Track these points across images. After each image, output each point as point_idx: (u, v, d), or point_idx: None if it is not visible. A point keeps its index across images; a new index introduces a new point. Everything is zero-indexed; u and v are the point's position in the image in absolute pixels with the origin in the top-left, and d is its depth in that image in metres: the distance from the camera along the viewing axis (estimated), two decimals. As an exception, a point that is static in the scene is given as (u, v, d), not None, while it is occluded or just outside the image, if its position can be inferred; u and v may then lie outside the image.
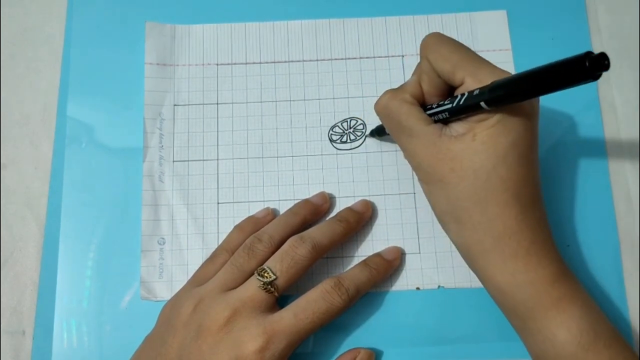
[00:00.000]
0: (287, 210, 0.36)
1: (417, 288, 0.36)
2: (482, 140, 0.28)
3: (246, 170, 0.38)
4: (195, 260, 0.37)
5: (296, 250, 0.32)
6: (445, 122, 0.31)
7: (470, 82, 0.29)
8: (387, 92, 0.33)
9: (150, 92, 0.39)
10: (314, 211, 0.36)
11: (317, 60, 0.40)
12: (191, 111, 0.39)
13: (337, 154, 0.39)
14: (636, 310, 0.36)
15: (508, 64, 0.40)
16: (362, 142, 0.39)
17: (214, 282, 0.32)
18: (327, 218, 0.37)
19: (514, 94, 0.26)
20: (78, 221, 0.37)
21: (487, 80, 0.28)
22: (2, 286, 0.37)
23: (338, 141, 0.39)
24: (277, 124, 0.39)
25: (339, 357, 0.34)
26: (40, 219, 0.38)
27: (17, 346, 0.36)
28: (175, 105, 0.39)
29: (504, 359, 0.35)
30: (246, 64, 0.40)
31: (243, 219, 0.37)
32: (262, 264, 0.32)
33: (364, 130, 0.39)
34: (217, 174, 0.38)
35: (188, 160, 0.38)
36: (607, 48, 0.40)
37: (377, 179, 0.38)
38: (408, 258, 0.37)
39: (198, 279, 0.34)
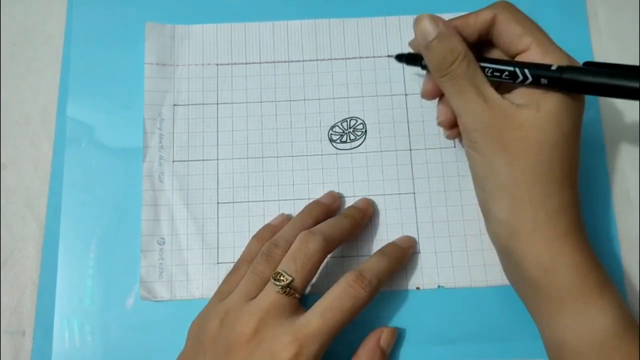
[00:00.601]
0: (299, 213, 0.36)
1: (417, 288, 0.36)
2: (548, 114, 0.28)
3: (246, 170, 0.38)
4: (195, 260, 0.37)
5: (308, 245, 0.32)
6: (497, 86, 0.30)
7: (534, 51, 0.29)
8: (444, 33, 0.30)
9: (150, 92, 0.39)
10: (325, 211, 0.36)
11: (316, 60, 0.40)
12: (191, 111, 0.39)
13: (337, 153, 0.39)
14: (636, 310, 0.35)
15: (508, 64, 0.40)
16: (362, 142, 0.39)
17: (237, 294, 0.32)
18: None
19: (590, 85, 0.26)
20: (78, 221, 0.37)
21: (553, 53, 0.28)
22: (2, 286, 0.37)
23: (338, 141, 0.39)
24: (276, 124, 0.39)
25: (365, 339, 0.34)
26: (40, 219, 0.38)
27: (17, 346, 0.36)
28: (175, 105, 0.39)
29: (504, 359, 0.35)
30: (246, 64, 0.40)
31: (259, 228, 0.37)
32: None
33: (363, 130, 0.39)
34: (217, 174, 0.38)
35: (188, 160, 0.38)
36: (607, 48, 0.40)
37: (377, 179, 0.38)
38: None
39: (222, 293, 0.33)
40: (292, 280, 0.31)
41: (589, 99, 0.39)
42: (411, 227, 0.37)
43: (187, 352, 0.32)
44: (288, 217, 0.37)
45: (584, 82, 0.27)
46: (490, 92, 0.29)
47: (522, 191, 0.29)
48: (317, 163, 0.38)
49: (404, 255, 0.35)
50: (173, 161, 0.38)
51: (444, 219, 0.37)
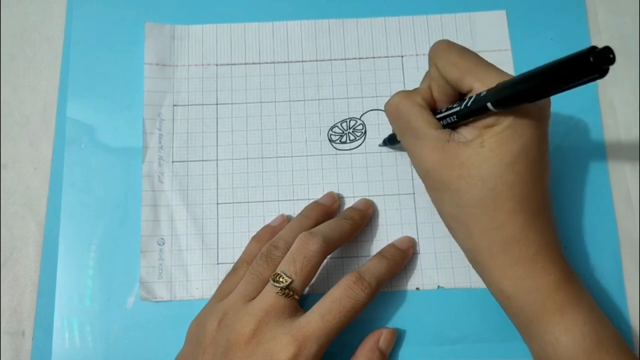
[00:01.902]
0: (299, 214, 0.36)
1: (417, 288, 0.36)
2: (491, 147, 0.28)
3: (246, 171, 0.38)
4: (194, 260, 0.37)
5: (307, 247, 0.32)
6: (454, 127, 0.31)
7: (478, 87, 0.29)
8: (399, 92, 0.33)
9: (149, 92, 0.39)
10: (325, 212, 0.36)
11: (316, 60, 0.40)
12: (190, 111, 0.39)
13: (336, 154, 0.39)
14: (636, 310, 0.35)
15: (507, 65, 0.40)
16: (362, 143, 0.39)
17: (236, 294, 0.32)
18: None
19: (519, 94, 0.26)
20: (78, 221, 0.37)
21: (494, 84, 0.28)
22: (2, 286, 0.37)
23: (337, 141, 0.39)
24: (276, 125, 0.39)
25: (364, 340, 0.34)
26: (40, 219, 0.38)
27: (17, 346, 0.36)
28: (174, 105, 0.39)
29: (503, 359, 0.35)
30: (245, 64, 0.40)
31: (259, 228, 0.37)
32: None
33: (363, 131, 0.39)
34: (217, 174, 0.38)
35: (187, 161, 0.38)
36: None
37: (377, 180, 0.38)
38: (407, 258, 0.37)
39: (221, 293, 0.33)
40: (291, 282, 0.31)
41: (588, 99, 0.39)
42: (411, 227, 0.37)
43: (185, 353, 0.32)
44: (288, 218, 0.37)
45: (514, 94, 0.26)
46: (433, 134, 0.30)
47: (472, 224, 0.30)
48: (316, 163, 0.38)
49: (403, 257, 0.35)
50: (172, 161, 0.38)
51: (444, 220, 0.37)
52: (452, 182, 0.29)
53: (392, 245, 0.36)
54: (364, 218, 0.36)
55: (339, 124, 0.39)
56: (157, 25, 0.40)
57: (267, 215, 0.38)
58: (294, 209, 0.37)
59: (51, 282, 0.36)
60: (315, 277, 0.33)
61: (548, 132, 0.30)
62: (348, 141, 0.39)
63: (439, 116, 0.31)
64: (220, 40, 0.41)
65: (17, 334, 0.36)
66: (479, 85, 0.29)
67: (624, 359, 0.28)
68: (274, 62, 0.40)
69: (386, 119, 0.39)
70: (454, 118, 0.30)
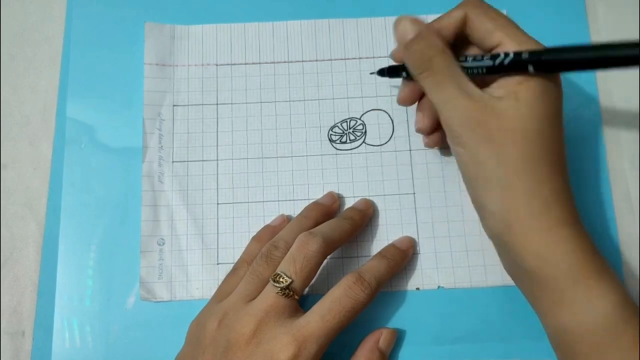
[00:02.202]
0: (299, 215, 0.36)
1: (417, 288, 0.36)
2: (527, 102, 0.28)
3: (246, 171, 0.38)
4: (194, 260, 0.37)
5: (307, 247, 0.32)
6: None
7: (508, 44, 0.29)
8: (420, 39, 0.31)
9: (149, 92, 0.39)
10: (325, 212, 0.36)
11: (316, 60, 0.40)
12: (190, 111, 0.39)
13: (336, 154, 0.39)
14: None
15: (508, 64, 0.40)
16: (362, 143, 0.39)
17: (236, 295, 0.32)
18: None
19: (568, 62, 0.27)
20: (78, 221, 0.37)
21: (525, 44, 0.28)
22: (2, 286, 0.37)
23: (338, 141, 0.39)
24: (276, 125, 0.39)
25: (364, 340, 0.34)
26: (40, 219, 0.38)
27: (17, 346, 0.36)
28: (174, 105, 0.39)
29: (503, 359, 0.35)
30: (245, 64, 0.40)
31: (259, 228, 0.37)
32: None
33: (363, 131, 0.39)
34: (217, 174, 0.38)
35: (187, 161, 0.38)
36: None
37: (377, 179, 0.38)
38: (407, 258, 0.37)
39: (221, 294, 0.33)
40: (291, 282, 0.31)
41: (588, 97, 0.39)
42: (411, 227, 0.37)
43: (185, 353, 0.32)
44: (288, 218, 0.37)
45: (563, 61, 0.27)
46: (470, 86, 0.29)
47: (513, 182, 0.28)
48: (316, 163, 0.38)
49: (403, 257, 0.35)
50: (173, 162, 0.38)
51: (444, 219, 0.37)
52: (493, 134, 0.28)
53: (392, 246, 0.36)
54: (364, 218, 0.36)
55: (339, 124, 0.39)
56: (157, 25, 0.40)
57: (267, 216, 0.38)
58: (294, 209, 0.38)
59: (51, 282, 0.36)
60: (315, 277, 0.33)
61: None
62: (348, 141, 0.39)
63: (464, 65, 0.30)
64: (220, 40, 0.41)
65: (17, 334, 0.36)
66: (509, 42, 0.29)
67: None
68: (274, 62, 0.40)
69: (387, 119, 0.39)
70: (482, 70, 0.30)
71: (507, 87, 0.29)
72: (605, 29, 0.41)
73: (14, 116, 0.40)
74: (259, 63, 0.40)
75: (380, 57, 0.40)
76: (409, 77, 0.34)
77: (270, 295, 0.30)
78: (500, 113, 0.28)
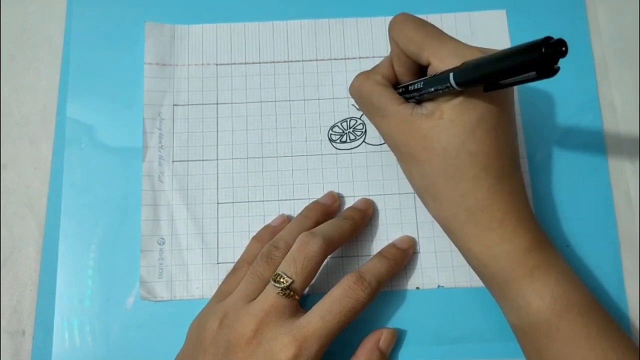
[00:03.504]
0: (299, 214, 0.36)
1: (417, 288, 0.36)
2: (450, 118, 0.29)
3: (246, 170, 0.38)
4: (195, 260, 0.37)
5: (307, 247, 0.32)
6: (418, 102, 0.31)
7: (436, 63, 0.29)
8: (359, 74, 0.34)
9: (149, 92, 0.39)
10: (325, 211, 0.36)
11: (316, 60, 0.40)
12: (191, 111, 0.39)
13: (336, 153, 0.39)
14: (636, 310, 0.35)
15: (508, 64, 0.40)
16: (362, 142, 0.39)
17: (236, 295, 0.32)
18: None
19: (477, 79, 0.26)
20: (78, 221, 0.37)
21: (449, 59, 0.28)
22: (2, 286, 0.37)
23: (338, 141, 0.39)
24: (276, 124, 0.39)
25: (364, 340, 0.34)
26: (40, 219, 0.38)
27: (17, 346, 0.36)
28: (174, 105, 0.39)
29: (503, 358, 0.35)
30: (245, 64, 0.40)
31: (259, 228, 0.37)
32: None
33: (363, 130, 0.39)
34: (217, 174, 0.38)
35: (187, 160, 0.38)
36: (607, 48, 0.40)
37: (377, 179, 0.38)
38: (408, 258, 0.37)
39: (221, 294, 0.33)
40: (292, 282, 0.31)
41: (588, 98, 0.39)
42: (411, 226, 0.37)
43: (186, 352, 0.32)
44: (288, 218, 0.37)
45: (473, 79, 0.27)
46: (397, 110, 0.31)
47: (438, 194, 0.30)
48: (316, 163, 0.38)
49: (403, 257, 0.35)
50: (173, 161, 0.38)
51: (444, 219, 0.37)
52: (417, 154, 0.30)
53: (392, 245, 0.36)
54: (364, 218, 0.36)
55: (339, 124, 0.39)
56: (157, 25, 0.40)
57: (268, 215, 0.38)
58: (294, 209, 0.38)
59: (51, 282, 0.36)
60: (316, 277, 0.33)
61: (510, 101, 0.31)
62: (348, 141, 0.39)
63: (401, 92, 0.32)
64: (220, 40, 0.41)
65: (17, 334, 0.36)
66: (435, 60, 0.29)
67: (597, 320, 0.29)
68: (274, 62, 0.40)
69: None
70: (416, 95, 0.31)
71: (434, 104, 0.30)
72: (605, 29, 0.41)
73: (14, 116, 0.40)
74: (259, 63, 0.40)
75: (380, 56, 0.40)
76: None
77: (270, 295, 0.30)
78: (423, 133, 0.30)
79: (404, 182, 0.38)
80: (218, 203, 0.38)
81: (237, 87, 0.40)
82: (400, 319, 0.36)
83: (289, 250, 0.32)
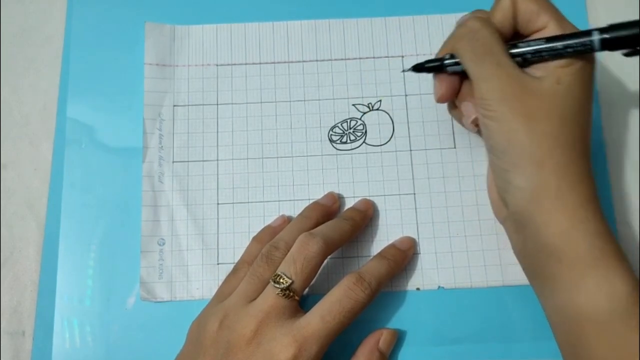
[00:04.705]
0: (299, 215, 0.36)
1: (417, 288, 0.36)
2: (568, 85, 0.29)
3: (246, 171, 0.38)
4: (195, 261, 0.37)
5: (308, 247, 0.32)
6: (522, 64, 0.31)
7: (553, 27, 0.29)
8: (476, 16, 0.32)
9: (149, 92, 0.39)
10: (325, 212, 0.36)
11: (316, 60, 0.40)
12: (191, 112, 0.39)
13: (337, 154, 0.39)
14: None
15: (508, 65, 0.40)
16: (362, 143, 0.39)
17: (236, 295, 0.32)
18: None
19: (630, 38, 0.27)
20: (78, 221, 0.37)
21: (570, 29, 0.29)
22: (2, 286, 0.37)
23: (338, 142, 0.39)
24: (276, 125, 0.39)
25: (364, 340, 0.34)
26: (40, 219, 0.38)
27: (17, 346, 0.36)
28: (174, 105, 0.39)
29: (504, 359, 0.35)
30: (246, 64, 0.40)
31: (259, 228, 0.37)
32: None
33: (363, 131, 0.39)
34: (217, 174, 0.38)
35: (188, 161, 0.38)
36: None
37: (377, 180, 0.38)
38: (408, 258, 0.37)
39: (221, 294, 0.33)
40: (291, 283, 0.31)
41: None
42: (411, 227, 0.37)
43: (186, 353, 0.32)
44: (288, 219, 0.37)
45: (627, 36, 0.28)
46: (510, 63, 0.30)
47: (545, 158, 0.29)
48: (317, 164, 0.38)
49: (403, 258, 0.35)
50: (173, 162, 0.38)
51: (444, 220, 0.37)
52: (532, 111, 0.29)
53: (392, 246, 0.36)
54: (365, 219, 0.36)
55: (339, 124, 0.39)
56: (158, 26, 0.40)
57: (268, 216, 0.38)
58: (295, 209, 0.37)
59: (51, 282, 0.36)
60: (316, 277, 0.33)
61: None
62: (348, 141, 0.39)
63: (514, 51, 0.30)
64: (221, 41, 0.41)
65: (17, 334, 0.36)
66: (554, 25, 0.29)
67: None
68: (274, 62, 0.40)
69: (386, 119, 0.39)
70: (529, 55, 0.30)
71: (547, 70, 0.30)
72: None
73: (14, 116, 0.40)
74: (259, 63, 0.40)
75: (380, 57, 0.40)
76: (442, 72, 0.33)
77: (270, 296, 0.30)
78: (540, 92, 0.29)
79: (405, 183, 0.38)
80: (218, 204, 0.38)
81: (237, 87, 0.40)
82: (400, 319, 0.36)
83: (289, 251, 0.32)
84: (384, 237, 0.37)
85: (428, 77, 0.40)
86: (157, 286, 0.36)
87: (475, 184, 0.38)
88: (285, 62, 0.40)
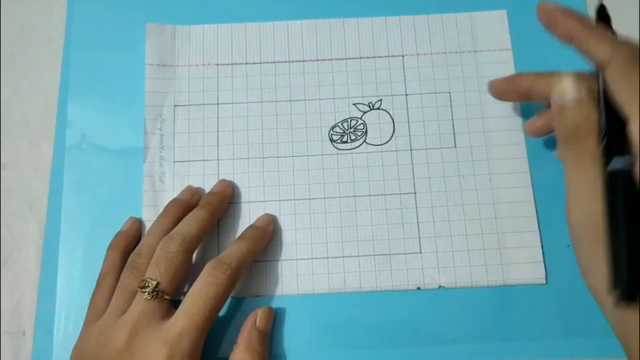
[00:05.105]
0: (158, 216, 0.36)
1: (418, 288, 0.36)
2: None
3: (247, 171, 0.38)
4: (195, 261, 0.37)
5: (167, 249, 0.32)
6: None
7: (633, 126, 0.25)
8: (584, 99, 0.28)
9: (150, 92, 0.39)
10: (185, 207, 0.36)
11: (317, 60, 0.40)
12: (191, 112, 0.39)
13: (337, 154, 0.39)
14: (636, 310, 0.35)
15: (508, 64, 0.40)
16: (363, 142, 0.39)
17: (108, 313, 0.32)
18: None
19: None
20: (78, 221, 0.37)
21: None
22: (2, 286, 0.37)
23: (338, 141, 0.39)
24: (277, 124, 0.39)
25: (242, 325, 0.33)
26: (40, 219, 0.38)
27: (17, 346, 0.36)
28: (175, 105, 0.39)
29: (504, 359, 0.35)
30: (246, 64, 0.40)
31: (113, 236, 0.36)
32: None
33: (364, 130, 0.39)
34: (218, 174, 0.38)
35: (189, 161, 0.38)
36: (607, 48, 0.40)
37: (378, 179, 0.38)
38: (409, 258, 0.37)
39: (92, 314, 0.33)
40: (157, 284, 0.31)
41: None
42: (412, 227, 0.37)
43: None
44: (137, 220, 0.37)
45: None
46: (598, 150, 0.27)
47: None
48: (317, 163, 0.38)
49: (262, 235, 0.35)
50: (174, 162, 0.38)
51: (445, 219, 0.37)
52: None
53: (250, 226, 0.36)
54: (222, 200, 0.36)
55: (339, 124, 0.39)
56: (158, 26, 0.40)
57: (268, 215, 0.38)
58: (295, 209, 0.37)
59: (51, 282, 0.36)
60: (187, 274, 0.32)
61: None
62: (349, 141, 0.39)
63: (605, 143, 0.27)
64: (221, 40, 0.41)
65: (17, 334, 0.36)
66: (634, 126, 0.25)
67: None
68: (274, 62, 0.40)
69: (386, 118, 0.39)
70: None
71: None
72: (605, 29, 0.41)
73: (14, 116, 0.40)
74: (260, 63, 0.40)
75: (381, 56, 0.40)
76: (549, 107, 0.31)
77: (139, 302, 0.31)
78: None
79: (405, 182, 0.38)
80: (219, 203, 0.38)
81: (238, 87, 0.40)
82: (401, 319, 0.36)
83: (152, 255, 0.32)
84: (384, 236, 0.37)
85: (428, 77, 0.40)
86: (157, 286, 0.36)
87: (476, 183, 0.38)
88: (285, 62, 0.40)
